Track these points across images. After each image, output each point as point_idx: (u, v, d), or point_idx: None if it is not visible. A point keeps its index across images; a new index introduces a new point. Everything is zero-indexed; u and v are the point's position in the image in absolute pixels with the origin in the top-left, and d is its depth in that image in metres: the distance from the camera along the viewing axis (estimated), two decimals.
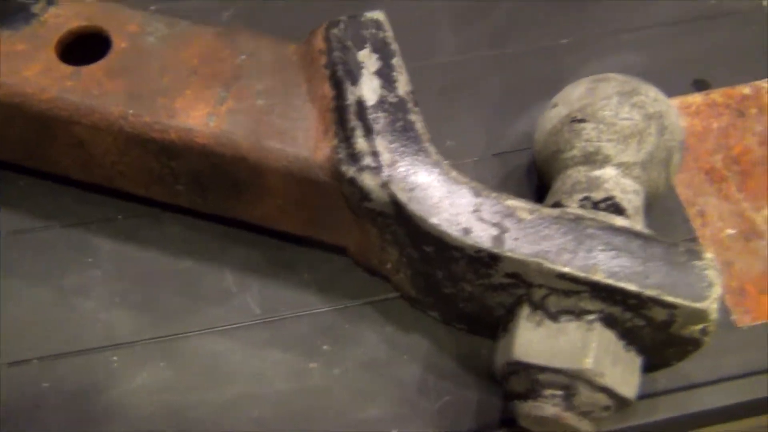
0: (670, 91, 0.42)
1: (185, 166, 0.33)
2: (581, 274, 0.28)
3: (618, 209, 0.31)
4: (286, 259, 0.38)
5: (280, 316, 0.36)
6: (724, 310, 0.36)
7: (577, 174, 0.33)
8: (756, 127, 0.42)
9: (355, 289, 0.37)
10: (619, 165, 0.32)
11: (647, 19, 0.46)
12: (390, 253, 0.33)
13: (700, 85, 0.43)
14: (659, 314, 0.28)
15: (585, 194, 0.32)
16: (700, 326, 0.28)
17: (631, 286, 0.28)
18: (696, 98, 0.43)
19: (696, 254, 0.29)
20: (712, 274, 0.28)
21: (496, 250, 0.29)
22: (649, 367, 0.31)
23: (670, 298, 0.27)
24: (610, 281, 0.28)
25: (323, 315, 0.36)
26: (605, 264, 0.28)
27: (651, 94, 0.34)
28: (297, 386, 0.35)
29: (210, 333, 0.36)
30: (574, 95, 0.34)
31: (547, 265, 0.28)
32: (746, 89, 0.43)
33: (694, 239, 0.38)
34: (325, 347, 0.36)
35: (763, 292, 0.37)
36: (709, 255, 0.30)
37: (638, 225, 0.31)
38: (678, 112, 0.35)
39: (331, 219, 0.34)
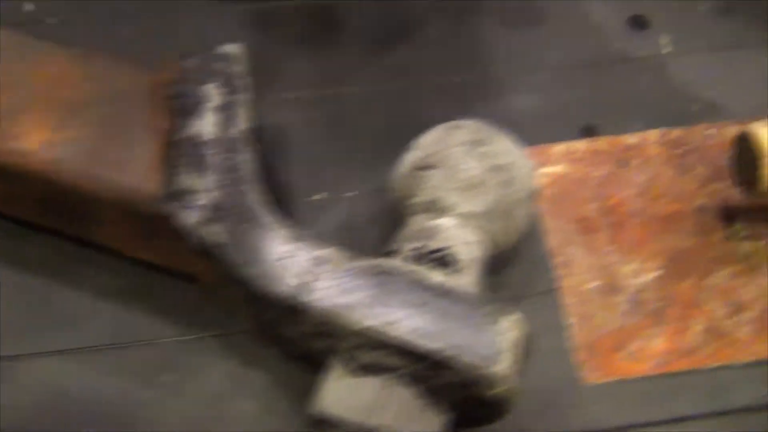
0: (558, 137, 0.42)
1: (25, 190, 0.33)
2: (377, 331, 0.27)
3: (448, 261, 0.30)
4: (140, 286, 0.37)
5: (126, 342, 0.36)
6: (572, 367, 0.35)
7: (419, 221, 0.32)
8: (636, 178, 0.41)
9: (203, 321, 0.36)
10: (460, 215, 0.32)
11: (543, 62, 0.45)
12: (228, 287, 0.33)
13: (588, 132, 0.43)
14: (454, 375, 0.27)
15: (421, 243, 0.31)
16: (495, 390, 0.27)
17: (424, 347, 0.27)
18: (581, 145, 0.42)
19: (499, 316, 0.28)
20: (508, 338, 0.27)
21: (300, 301, 0.28)
22: (472, 423, 0.31)
23: (459, 361, 0.27)
24: (404, 340, 0.27)
25: (168, 345, 0.36)
26: (403, 322, 0.27)
27: (501, 145, 0.33)
28: (132, 416, 0.34)
29: (53, 355, 0.36)
30: (426, 141, 0.34)
31: (346, 319, 0.28)
32: (632, 139, 0.42)
33: (552, 290, 0.38)
34: (165, 378, 0.35)
35: (614, 350, 0.36)
36: (512, 317, 0.29)
37: (468, 278, 0.31)
38: (531, 164, 0.35)
39: (174, 249, 0.33)
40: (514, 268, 0.38)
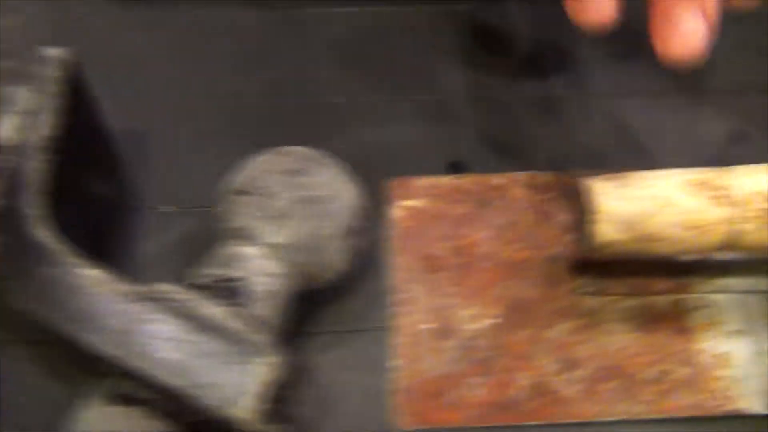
0: (426, 170, 0.41)
1: None
2: (127, 362, 0.27)
3: (239, 292, 0.29)
4: None
5: None
6: (386, 411, 0.34)
7: (226, 247, 0.31)
8: (494, 220, 0.40)
9: None
10: (266, 245, 0.31)
11: (430, 90, 0.44)
12: None
13: (456, 168, 0.42)
14: (199, 414, 0.26)
15: (221, 270, 0.30)
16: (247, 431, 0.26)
17: (167, 382, 0.26)
18: (446, 181, 0.41)
19: (256, 357, 0.27)
20: (258, 380, 0.26)
21: None
22: None
23: (201, 400, 0.26)
24: (148, 373, 0.26)
25: None
26: (154, 354, 0.27)
27: (322, 176, 0.32)
28: None
29: None
30: (249, 165, 0.33)
31: (98, 346, 0.27)
32: (499, 179, 0.41)
33: (384, 328, 0.37)
34: None
35: (434, 397, 0.35)
36: (268, 359, 0.28)
37: (262, 311, 0.30)
38: (354, 199, 0.33)
39: None
40: (351, 300, 0.38)
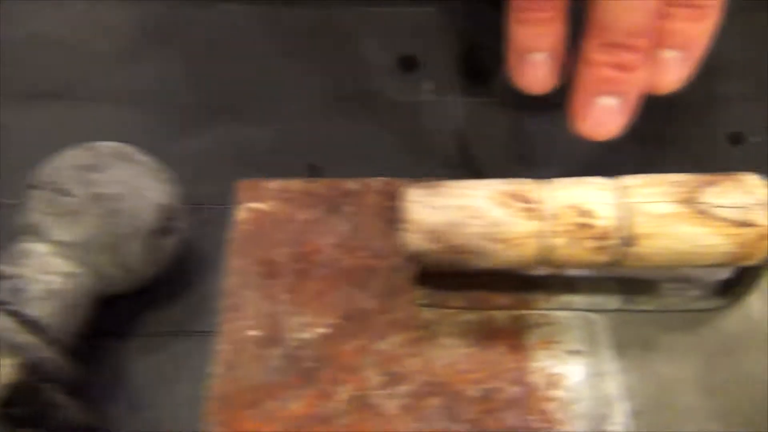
0: (282, 172, 0.40)
1: None
2: None
3: (15, 289, 0.28)
4: None
5: None
6: (197, 419, 0.32)
7: (16, 243, 0.30)
8: (341, 226, 0.38)
9: None
10: (54, 242, 0.30)
11: (292, 92, 0.43)
12: None
13: (312, 172, 0.41)
14: None
15: (5, 266, 0.29)
16: None
17: None
18: (297, 184, 0.39)
19: None
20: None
21: None
22: None
23: None
24: None
25: None
26: None
27: (120, 173, 0.31)
28: None
29: None
30: (52, 159, 0.32)
31: None
32: (354, 185, 0.39)
33: (210, 333, 0.35)
34: None
35: (249, 407, 0.33)
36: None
37: (39, 311, 0.28)
38: (164, 196, 0.32)
39: None
40: (180, 303, 0.36)
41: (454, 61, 0.45)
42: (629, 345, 0.35)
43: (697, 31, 0.31)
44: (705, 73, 0.43)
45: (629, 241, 0.30)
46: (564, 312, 0.36)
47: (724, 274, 0.36)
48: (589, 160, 0.40)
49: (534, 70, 0.31)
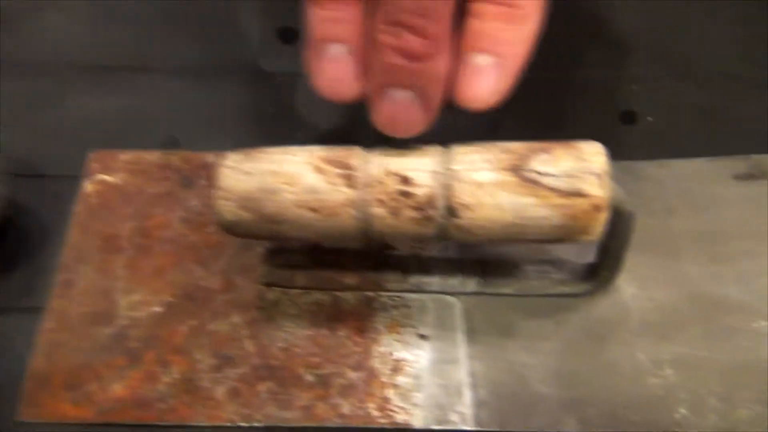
0: (139, 143, 0.38)
1: None
2: None
3: None
4: None
5: None
6: (10, 400, 0.30)
7: None
8: (192, 201, 0.36)
9: None
10: None
11: (165, 61, 0.41)
12: None
13: (170, 144, 0.38)
14: None
15: None
16: None
17: None
18: (153, 156, 0.37)
19: None
20: None
21: None
22: None
23: None
24: None
25: None
26: None
27: None
28: None
29: None
30: None
31: None
32: (212, 158, 0.37)
33: (37, 309, 0.33)
34: None
35: (67, 388, 0.31)
36: None
37: None
38: None
39: None
40: (16, 277, 0.34)
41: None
42: (484, 330, 0.33)
43: (510, 36, 0.27)
44: (600, 52, 0.42)
45: (451, 211, 0.27)
46: (418, 294, 0.34)
47: (590, 256, 0.34)
48: (473, 138, 0.38)
49: (329, 67, 0.27)
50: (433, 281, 0.33)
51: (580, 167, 0.27)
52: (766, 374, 0.31)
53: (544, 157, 0.27)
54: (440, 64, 0.27)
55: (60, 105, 0.39)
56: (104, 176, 0.36)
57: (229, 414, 0.30)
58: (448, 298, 0.34)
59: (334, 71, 0.27)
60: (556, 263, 0.34)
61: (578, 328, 0.33)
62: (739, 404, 0.31)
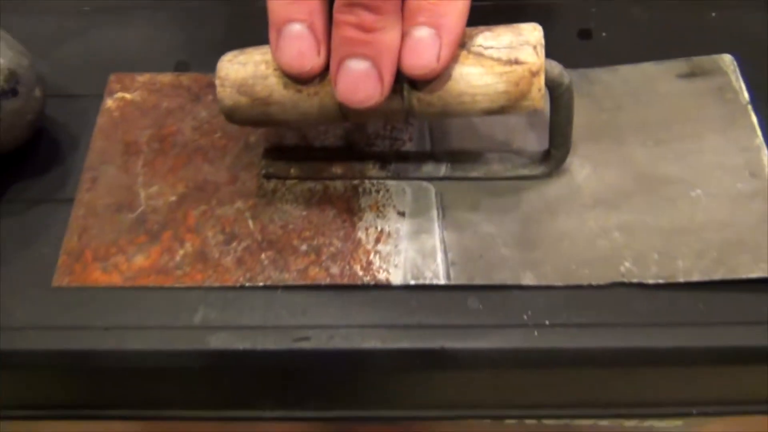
0: (155, 67, 0.43)
1: None
2: None
3: None
4: None
5: None
6: (46, 272, 0.35)
7: None
8: (201, 113, 0.41)
9: None
10: None
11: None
12: None
13: (182, 67, 0.43)
14: None
15: None
16: None
17: None
18: (166, 78, 0.42)
19: None
20: None
21: None
22: None
23: None
24: None
25: None
26: None
27: None
28: None
29: None
30: None
31: None
32: None
33: (67, 200, 0.38)
34: None
35: (96, 260, 0.36)
36: None
37: None
38: (5, 62, 0.34)
39: None
40: (48, 175, 0.39)
41: None
42: (454, 207, 0.37)
43: (445, 9, 0.30)
44: None
45: (413, 83, 0.32)
46: (397, 181, 0.38)
47: (544, 145, 0.38)
48: None
49: (291, 43, 0.30)
50: (410, 168, 0.38)
51: (518, 40, 0.31)
52: (702, 233, 0.36)
53: (487, 34, 0.32)
54: (392, 36, 0.30)
55: (84, 38, 0.44)
56: (124, 94, 0.41)
57: (235, 276, 0.35)
58: (423, 183, 0.38)
59: (296, 47, 0.31)
60: (516, 152, 0.38)
61: (537, 204, 0.38)
62: (677, 257, 0.35)
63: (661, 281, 0.34)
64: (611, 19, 0.45)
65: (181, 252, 0.36)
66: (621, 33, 0.44)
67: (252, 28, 0.44)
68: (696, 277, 0.34)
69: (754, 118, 0.39)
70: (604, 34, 0.44)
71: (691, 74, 0.41)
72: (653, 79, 0.41)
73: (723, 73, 0.41)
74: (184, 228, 0.37)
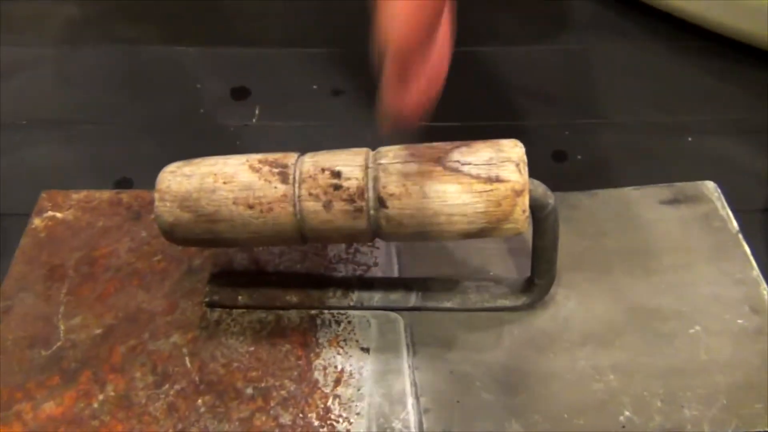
0: (95, 185, 0.38)
1: None
2: None
3: None
4: None
5: None
6: None
7: None
8: (140, 233, 0.35)
9: None
10: None
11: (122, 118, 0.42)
12: None
13: (122, 184, 0.38)
14: None
15: None
16: None
17: None
18: (104, 195, 0.37)
19: None
20: None
21: None
22: None
23: None
24: None
25: None
26: None
27: None
28: None
29: None
30: None
31: None
32: None
33: None
34: None
35: None
36: None
37: None
38: None
39: None
40: None
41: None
42: (426, 343, 0.32)
43: None
44: (535, 105, 0.44)
45: (381, 201, 0.27)
46: (361, 312, 0.33)
47: (527, 273, 0.34)
48: None
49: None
50: (375, 296, 0.33)
51: (499, 156, 0.27)
52: (706, 375, 0.31)
53: (464, 149, 0.28)
54: None
55: (17, 154, 0.40)
56: (54, 213, 0.36)
57: (164, 428, 0.29)
58: (390, 314, 0.33)
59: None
60: (495, 279, 0.34)
61: (520, 339, 0.32)
62: (683, 405, 0.30)
63: None
64: (586, 142, 0.42)
65: (101, 397, 0.30)
66: (597, 156, 0.41)
67: (205, 145, 0.41)
68: (706, 429, 0.29)
69: (747, 248, 0.36)
70: (579, 156, 0.41)
71: (674, 200, 0.38)
72: (636, 205, 0.38)
73: (707, 200, 0.38)
74: (107, 367, 0.30)
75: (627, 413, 0.30)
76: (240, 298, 0.33)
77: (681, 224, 0.37)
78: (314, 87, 0.45)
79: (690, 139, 0.42)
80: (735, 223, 0.36)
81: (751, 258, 0.35)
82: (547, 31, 0.50)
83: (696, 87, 0.45)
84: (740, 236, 0.36)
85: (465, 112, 0.44)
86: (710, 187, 0.38)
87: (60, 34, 0.47)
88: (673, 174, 0.39)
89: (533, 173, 0.31)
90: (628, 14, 0.50)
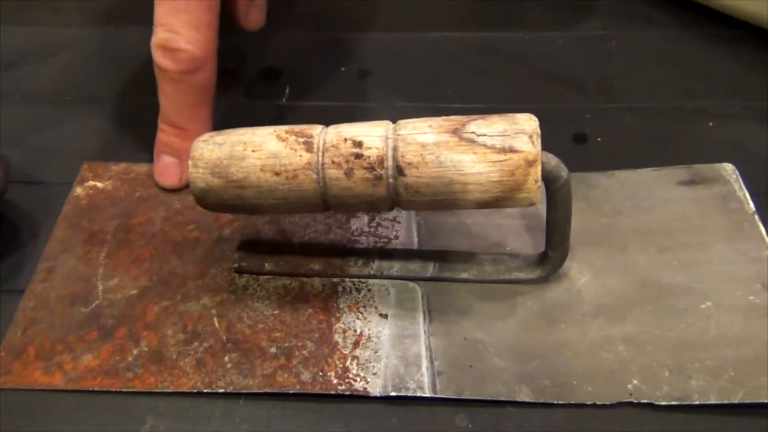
0: (134, 158, 0.40)
1: None
2: None
3: None
4: None
5: None
6: None
7: None
8: (176, 204, 0.37)
9: None
10: None
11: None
12: None
13: None
14: None
15: None
16: None
17: None
18: (141, 168, 0.38)
19: None
20: None
21: None
22: None
23: None
24: None
25: None
26: None
27: None
28: None
29: None
30: None
31: None
32: None
33: (20, 291, 0.33)
34: None
35: (39, 358, 0.31)
36: None
37: None
38: None
39: None
40: (4, 265, 0.35)
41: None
42: (442, 311, 0.33)
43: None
44: (557, 87, 0.45)
45: (399, 170, 0.29)
46: (380, 280, 0.34)
47: (540, 248, 0.34)
48: None
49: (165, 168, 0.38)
50: (395, 266, 0.34)
51: (513, 128, 0.28)
52: (715, 349, 0.32)
53: (480, 121, 0.29)
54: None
55: (60, 127, 0.42)
56: (95, 182, 0.38)
57: (193, 381, 0.30)
58: (409, 283, 0.34)
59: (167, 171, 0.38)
60: (510, 253, 0.35)
61: (533, 310, 0.33)
62: (690, 375, 0.31)
63: (673, 402, 0.30)
64: (606, 126, 0.43)
65: (135, 351, 0.31)
66: (616, 139, 0.42)
67: (237, 122, 0.42)
68: (713, 399, 0.30)
69: (762, 228, 0.36)
70: (599, 139, 0.42)
71: (691, 181, 0.38)
72: (653, 185, 0.38)
73: (725, 182, 0.38)
74: (141, 324, 0.32)
75: (635, 381, 0.30)
76: (266, 265, 0.34)
77: (697, 204, 0.37)
78: (342, 69, 0.46)
79: (711, 124, 0.42)
80: (752, 204, 0.37)
81: (766, 237, 0.35)
82: (575, 17, 0.50)
83: (720, 75, 0.45)
84: (756, 217, 0.36)
85: (489, 94, 0.45)
86: (728, 169, 0.38)
87: (104, 16, 0.50)
88: (692, 158, 0.40)
89: (553, 154, 0.32)
90: (656, 2, 0.51)
